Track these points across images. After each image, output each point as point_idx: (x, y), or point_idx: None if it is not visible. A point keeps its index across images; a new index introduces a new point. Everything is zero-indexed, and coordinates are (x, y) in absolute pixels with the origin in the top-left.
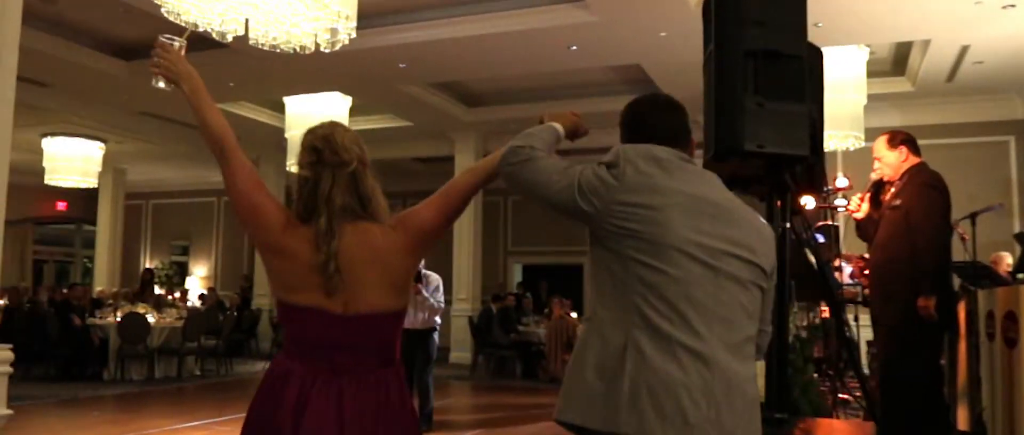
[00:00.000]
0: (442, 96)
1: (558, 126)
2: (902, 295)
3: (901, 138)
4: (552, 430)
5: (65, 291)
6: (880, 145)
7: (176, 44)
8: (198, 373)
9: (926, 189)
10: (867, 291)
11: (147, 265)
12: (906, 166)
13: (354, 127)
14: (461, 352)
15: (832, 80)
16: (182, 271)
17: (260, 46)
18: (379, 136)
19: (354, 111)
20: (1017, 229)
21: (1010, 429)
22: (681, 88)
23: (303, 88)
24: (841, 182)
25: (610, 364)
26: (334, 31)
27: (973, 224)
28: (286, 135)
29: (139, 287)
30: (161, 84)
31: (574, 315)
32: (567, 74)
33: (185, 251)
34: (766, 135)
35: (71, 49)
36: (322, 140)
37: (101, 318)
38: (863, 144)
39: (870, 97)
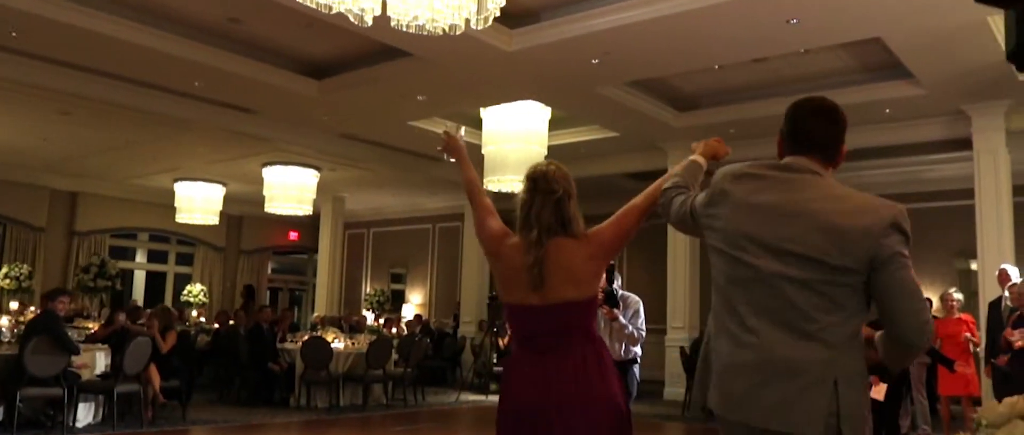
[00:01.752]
0: (648, 99)
1: (700, 159)
2: None
3: None
4: None
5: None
6: None
7: (461, 132)
8: (384, 402)
9: None
10: None
11: (367, 292)
12: None
13: (555, 141)
14: (675, 388)
15: None
16: (399, 298)
17: (404, 28)
18: (584, 150)
19: (556, 124)
20: None
21: None
22: (935, 64)
23: (495, 97)
24: None
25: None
26: (481, 4)
27: None
28: (482, 151)
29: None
30: (448, 158)
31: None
32: (792, 63)
33: (402, 279)
34: None
35: (265, 70)
36: (539, 174)
37: (293, 343)
38: None
39: None
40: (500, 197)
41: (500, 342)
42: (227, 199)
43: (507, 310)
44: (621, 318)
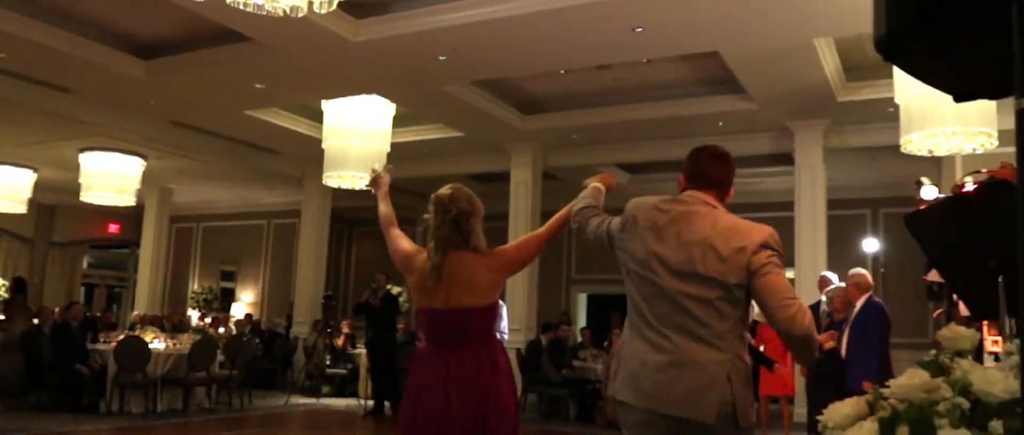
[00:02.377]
0: (494, 100)
1: (601, 186)
2: None
3: None
4: None
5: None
6: None
7: (385, 176)
8: (207, 406)
9: None
10: None
11: (195, 289)
12: None
13: (399, 139)
14: None
15: None
16: (229, 297)
17: (242, 6)
18: (427, 149)
19: (400, 120)
20: None
21: None
22: (766, 81)
23: (338, 90)
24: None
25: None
26: None
27: None
28: (323, 145)
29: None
30: (372, 191)
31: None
32: (635, 72)
33: (232, 276)
34: None
35: (84, 45)
36: (439, 196)
37: (105, 343)
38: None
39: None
40: (350, 194)
41: (335, 342)
42: (38, 186)
43: (419, 313)
44: None
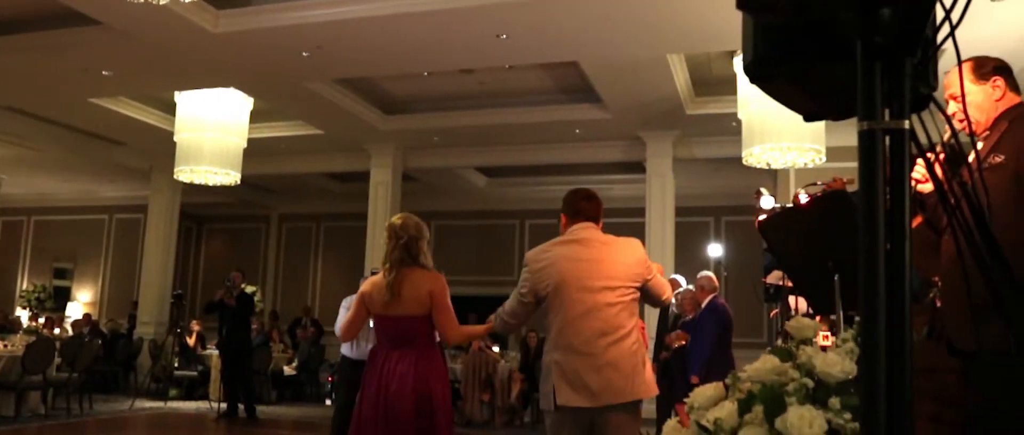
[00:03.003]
0: (356, 99)
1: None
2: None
3: (993, 65)
4: None
5: None
6: (960, 78)
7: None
8: (42, 412)
9: None
10: (940, 301)
11: (25, 287)
12: (1003, 106)
13: (256, 134)
14: None
15: None
16: (64, 295)
17: None
18: (285, 146)
19: (258, 116)
20: None
21: None
22: (621, 92)
23: (194, 82)
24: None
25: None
26: None
27: None
28: (176, 138)
29: None
30: None
31: (496, 349)
32: (497, 78)
33: (68, 274)
34: None
35: None
36: (392, 225)
37: None
38: (823, 161)
39: None
40: (202, 190)
41: (187, 342)
42: None
43: (374, 319)
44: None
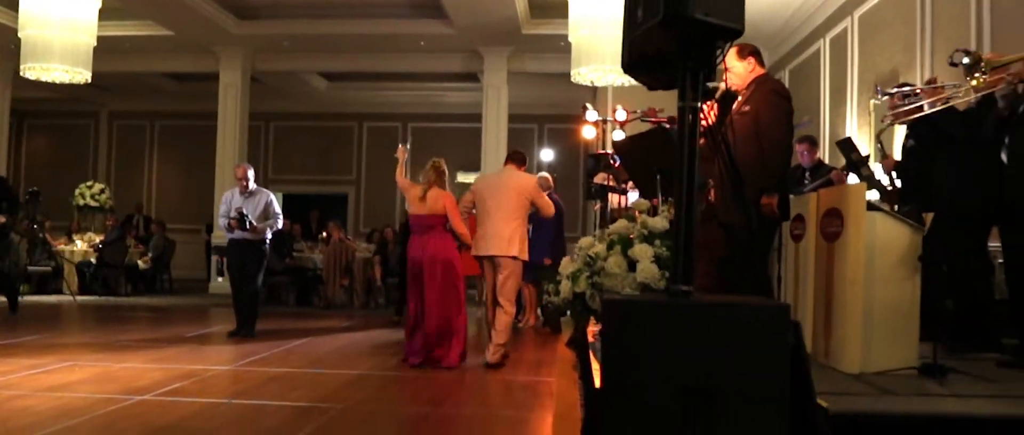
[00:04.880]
0: (209, 2)
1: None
2: (750, 192)
3: (749, 50)
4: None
5: None
6: (730, 57)
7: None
8: None
9: (773, 96)
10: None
11: None
12: (753, 76)
13: (104, 32)
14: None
15: None
16: None
17: None
18: (129, 45)
19: (108, 13)
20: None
21: (827, 318)
22: (466, 10)
23: None
24: (620, 114)
25: None
26: None
27: None
28: (20, 34)
29: None
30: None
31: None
32: None
33: None
34: (711, 5)
35: None
36: (432, 166)
37: None
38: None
39: None
40: (28, 84)
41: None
42: None
43: (410, 217)
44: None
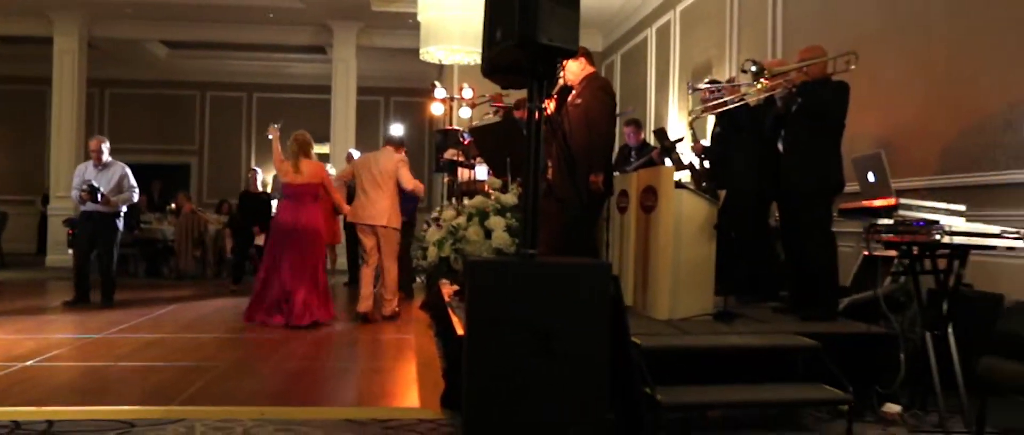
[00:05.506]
0: None
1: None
2: (581, 172)
3: (582, 51)
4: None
5: None
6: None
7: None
8: None
9: (601, 92)
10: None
11: None
12: (585, 74)
13: None
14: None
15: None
16: None
17: None
18: None
19: None
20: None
21: (644, 275)
22: None
23: None
24: (466, 92)
25: None
26: None
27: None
28: None
29: None
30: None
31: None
32: None
33: None
34: (554, 32)
35: None
36: (301, 137)
37: None
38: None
39: None
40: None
41: None
42: None
43: (284, 186)
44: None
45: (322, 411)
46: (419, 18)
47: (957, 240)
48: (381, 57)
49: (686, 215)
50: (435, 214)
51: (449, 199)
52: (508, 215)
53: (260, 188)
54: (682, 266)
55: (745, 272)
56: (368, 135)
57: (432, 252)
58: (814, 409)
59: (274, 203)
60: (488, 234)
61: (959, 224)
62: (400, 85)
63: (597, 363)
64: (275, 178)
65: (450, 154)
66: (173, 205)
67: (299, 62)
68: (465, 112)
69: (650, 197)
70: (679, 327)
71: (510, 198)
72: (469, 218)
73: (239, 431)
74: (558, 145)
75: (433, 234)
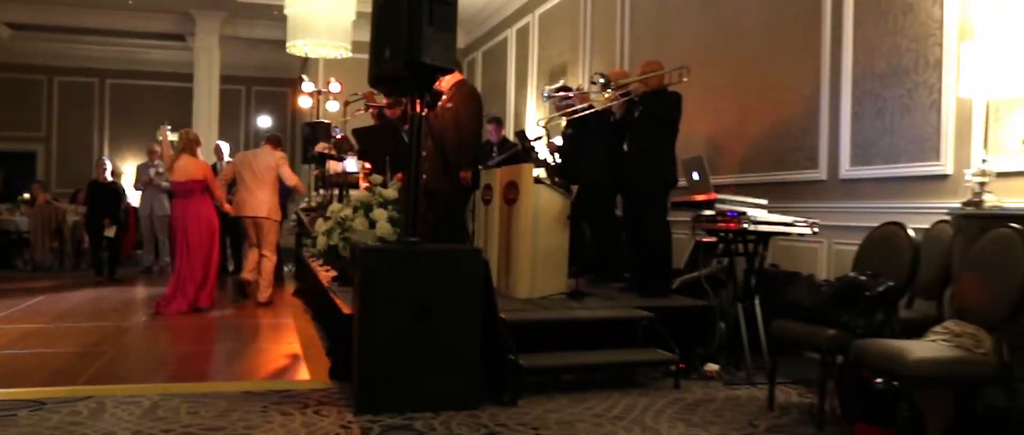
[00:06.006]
0: None
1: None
2: (453, 169)
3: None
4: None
5: None
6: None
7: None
8: None
9: (469, 98)
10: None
11: None
12: (455, 80)
13: None
14: None
15: None
16: None
17: None
18: None
19: None
20: None
21: (507, 260)
22: None
23: None
24: (334, 86)
25: None
26: None
27: None
28: None
29: None
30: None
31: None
32: None
33: None
34: (434, 53)
35: None
36: (190, 134)
37: None
38: (348, 54)
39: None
40: None
41: None
42: None
43: (172, 183)
44: None
45: (223, 385)
46: (286, 11)
47: (760, 228)
48: (243, 46)
49: (543, 207)
50: (303, 205)
51: (317, 190)
52: (389, 208)
53: (109, 179)
54: (540, 252)
55: (594, 257)
56: (230, 124)
57: (321, 241)
58: (649, 369)
59: (137, 195)
60: (372, 225)
61: (762, 215)
62: (263, 75)
63: (470, 334)
64: (139, 168)
65: (321, 147)
66: (27, 195)
67: (157, 49)
68: (333, 105)
69: (512, 191)
70: (538, 304)
71: (391, 193)
72: (355, 210)
73: (147, 405)
74: (431, 143)
75: (322, 225)
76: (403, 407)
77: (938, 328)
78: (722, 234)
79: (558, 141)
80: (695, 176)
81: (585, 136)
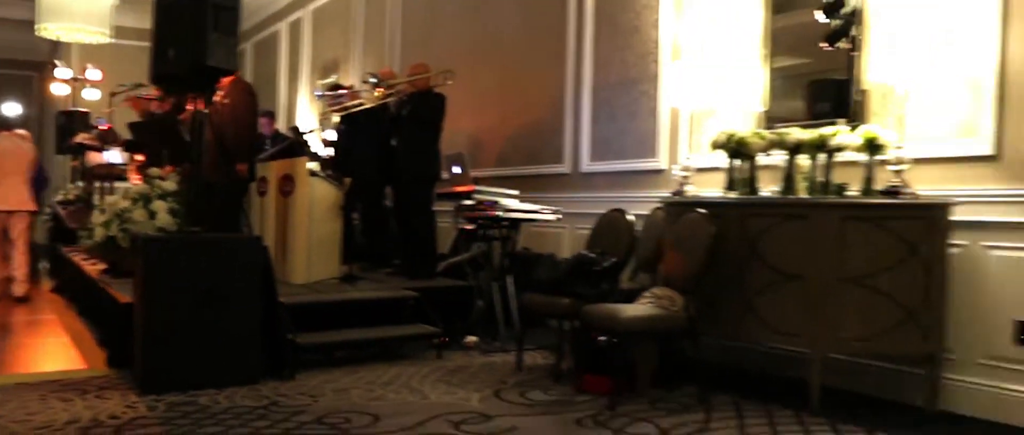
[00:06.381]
0: None
1: None
2: (231, 160)
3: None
4: None
5: None
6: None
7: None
8: None
9: (245, 94)
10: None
11: None
12: (231, 77)
13: None
14: None
15: None
16: None
17: None
18: None
19: None
20: None
21: (284, 248)
22: None
23: None
24: (93, 74)
25: None
26: None
27: None
28: None
29: None
30: None
31: None
32: None
33: None
34: (218, 56)
35: None
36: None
37: None
38: (108, 40)
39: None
40: None
41: None
42: None
43: None
44: None
45: None
46: None
47: (512, 215)
48: None
49: (318, 198)
50: (60, 197)
51: (74, 181)
52: (169, 199)
53: None
54: (315, 240)
55: (366, 244)
56: None
57: (99, 233)
58: (416, 342)
59: None
60: (152, 216)
61: (514, 204)
62: (5, 57)
63: (251, 317)
64: None
65: (81, 137)
66: None
67: None
68: (91, 93)
69: (288, 184)
70: (313, 288)
71: (170, 185)
72: (134, 202)
73: None
74: (209, 137)
75: (99, 217)
76: (187, 386)
77: (646, 293)
78: (480, 221)
79: (330, 135)
80: (457, 169)
81: (357, 132)
